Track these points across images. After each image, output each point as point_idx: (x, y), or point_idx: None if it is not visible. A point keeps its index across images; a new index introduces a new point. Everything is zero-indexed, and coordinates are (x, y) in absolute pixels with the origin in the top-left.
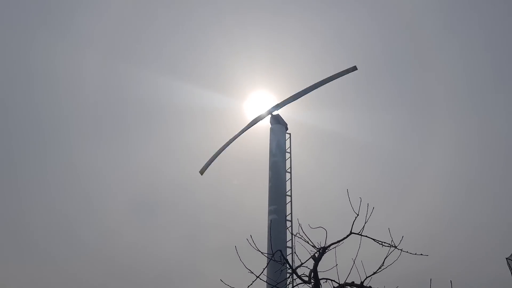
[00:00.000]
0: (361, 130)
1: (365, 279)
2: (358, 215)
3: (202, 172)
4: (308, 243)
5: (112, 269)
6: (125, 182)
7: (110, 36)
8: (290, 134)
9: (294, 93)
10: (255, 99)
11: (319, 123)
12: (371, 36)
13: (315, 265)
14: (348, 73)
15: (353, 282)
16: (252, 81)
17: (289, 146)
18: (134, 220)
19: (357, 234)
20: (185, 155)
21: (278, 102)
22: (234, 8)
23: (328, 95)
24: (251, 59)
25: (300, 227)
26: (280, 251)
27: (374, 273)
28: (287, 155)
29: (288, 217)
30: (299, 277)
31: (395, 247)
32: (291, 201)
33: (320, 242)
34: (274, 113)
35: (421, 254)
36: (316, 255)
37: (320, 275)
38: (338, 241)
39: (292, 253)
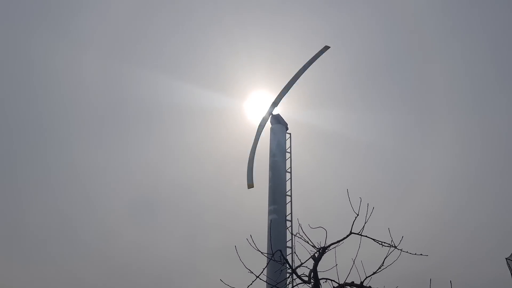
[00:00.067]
0: (362, 130)
1: (365, 279)
2: (358, 215)
3: (250, 186)
4: (308, 243)
5: (112, 269)
6: (125, 182)
7: (110, 36)
8: (290, 134)
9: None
10: (255, 99)
11: (319, 123)
12: (372, 35)
13: (315, 265)
14: (322, 53)
15: (353, 282)
16: (252, 81)
17: (289, 146)
18: (134, 220)
19: (357, 234)
20: (185, 155)
21: (273, 100)
22: (234, 8)
23: (328, 95)
24: (251, 59)
25: (300, 227)
26: (280, 251)
27: (374, 273)
28: (287, 155)
29: (288, 217)
30: (299, 277)
31: (395, 247)
32: (291, 201)
33: (320, 242)
34: (275, 113)
35: (421, 254)
36: (316, 255)
37: (320, 275)
38: (338, 241)
39: (292, 253)
